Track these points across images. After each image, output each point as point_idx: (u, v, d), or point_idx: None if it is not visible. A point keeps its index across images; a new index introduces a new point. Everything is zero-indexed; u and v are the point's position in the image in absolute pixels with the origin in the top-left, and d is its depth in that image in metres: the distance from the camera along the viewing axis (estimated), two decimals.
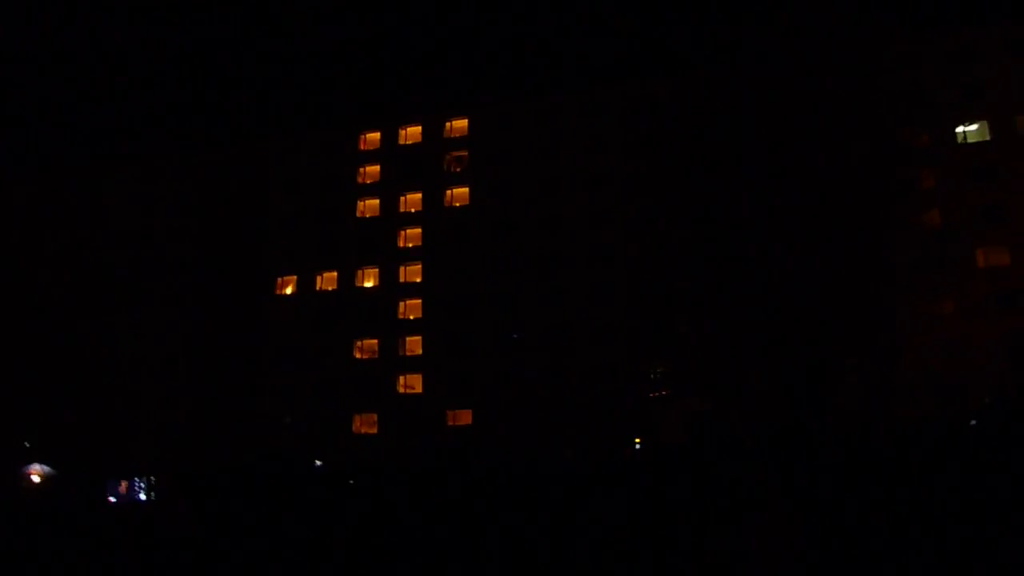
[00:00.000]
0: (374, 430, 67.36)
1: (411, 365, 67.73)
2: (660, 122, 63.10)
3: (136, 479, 68.32)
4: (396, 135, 72.99)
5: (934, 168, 57.22)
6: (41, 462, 69.49)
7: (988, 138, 58.42)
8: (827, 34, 46.15)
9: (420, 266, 69.32)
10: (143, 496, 68.00)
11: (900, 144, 57.38)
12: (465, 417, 64.92)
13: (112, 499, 66.50)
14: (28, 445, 70.12)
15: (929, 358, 52.48)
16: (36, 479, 69.68)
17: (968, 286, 55.75)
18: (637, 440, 56.59)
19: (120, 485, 68.00)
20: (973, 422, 32.77)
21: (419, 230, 70.21)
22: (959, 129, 58.93)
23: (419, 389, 67.14)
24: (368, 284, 70.68)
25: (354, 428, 67.71)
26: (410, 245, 70.26)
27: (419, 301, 68.63)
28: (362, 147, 73.66)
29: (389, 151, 72.69)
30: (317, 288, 71.44)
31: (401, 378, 67.82)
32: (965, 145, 58.73)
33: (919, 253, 55.31)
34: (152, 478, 67.59)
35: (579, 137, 67.17)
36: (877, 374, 48.35)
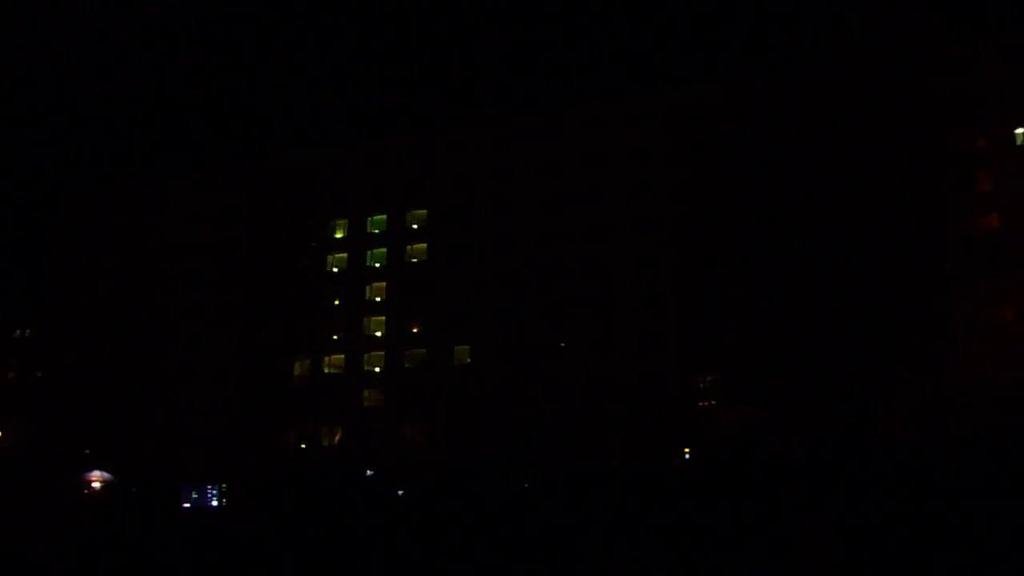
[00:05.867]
0: (423, 438, 67.69)
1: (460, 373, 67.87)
2: (705, 128, 62.53)
3: (208, 487, 70.03)
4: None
5: (992, 171, 55.80)
6: (101, 469, 71.46)
7: None
8: (880, 37, 45.40)
9: None
10: (215, 503, 69.55)
11: (957, 147, 56.01)
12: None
13: (186, 504, 68.23)
14: (88, 452, 72.00)
15: (986, 366, 51.08)
16: (97, 485, 71.66)
17: None
18: (687, 450, 56.01)
19: (193, 491, 69.85)
20: None
21: None
22: (1018, 131, 57.37)
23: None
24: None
25: (403, 436, 68.11)
26: None
27: None
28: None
29: None
30: (367, 297, 72.12)
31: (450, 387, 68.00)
32: None
33: (976, 258, 53.86)
34: (223, 486, 69.15)
35: (623, 145, 66.78)
36: (932, 382, 47.22)
